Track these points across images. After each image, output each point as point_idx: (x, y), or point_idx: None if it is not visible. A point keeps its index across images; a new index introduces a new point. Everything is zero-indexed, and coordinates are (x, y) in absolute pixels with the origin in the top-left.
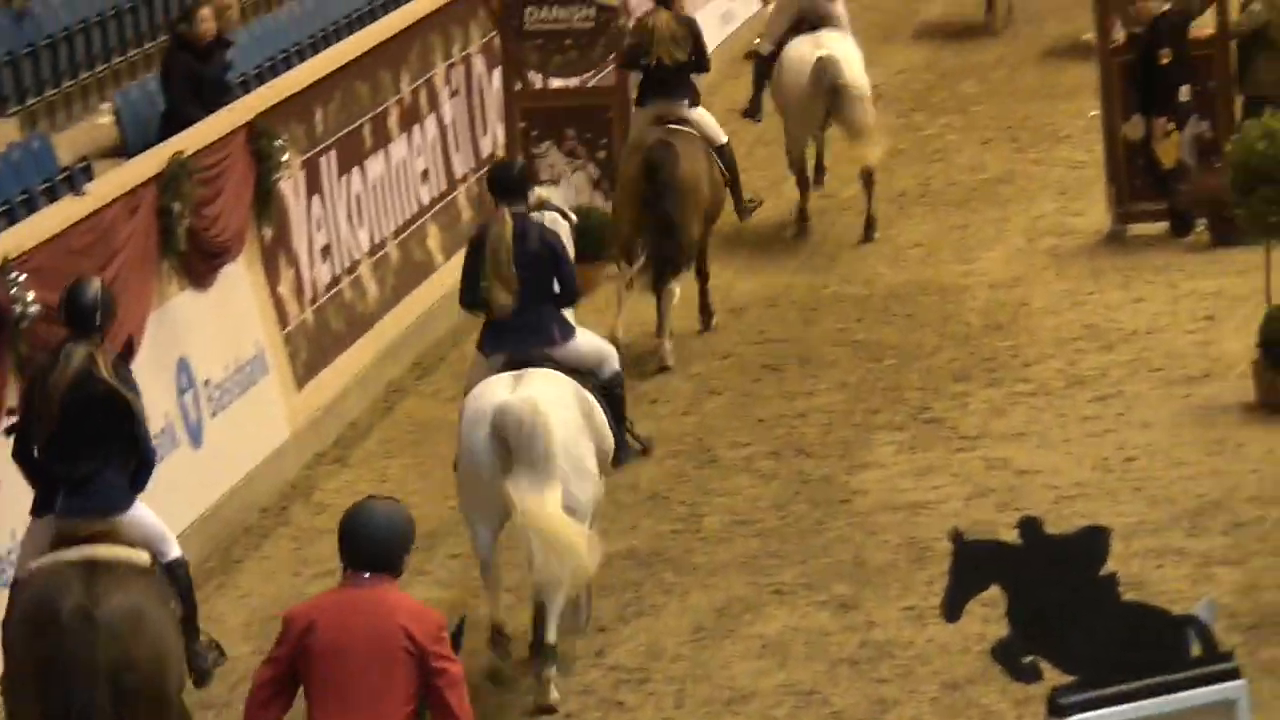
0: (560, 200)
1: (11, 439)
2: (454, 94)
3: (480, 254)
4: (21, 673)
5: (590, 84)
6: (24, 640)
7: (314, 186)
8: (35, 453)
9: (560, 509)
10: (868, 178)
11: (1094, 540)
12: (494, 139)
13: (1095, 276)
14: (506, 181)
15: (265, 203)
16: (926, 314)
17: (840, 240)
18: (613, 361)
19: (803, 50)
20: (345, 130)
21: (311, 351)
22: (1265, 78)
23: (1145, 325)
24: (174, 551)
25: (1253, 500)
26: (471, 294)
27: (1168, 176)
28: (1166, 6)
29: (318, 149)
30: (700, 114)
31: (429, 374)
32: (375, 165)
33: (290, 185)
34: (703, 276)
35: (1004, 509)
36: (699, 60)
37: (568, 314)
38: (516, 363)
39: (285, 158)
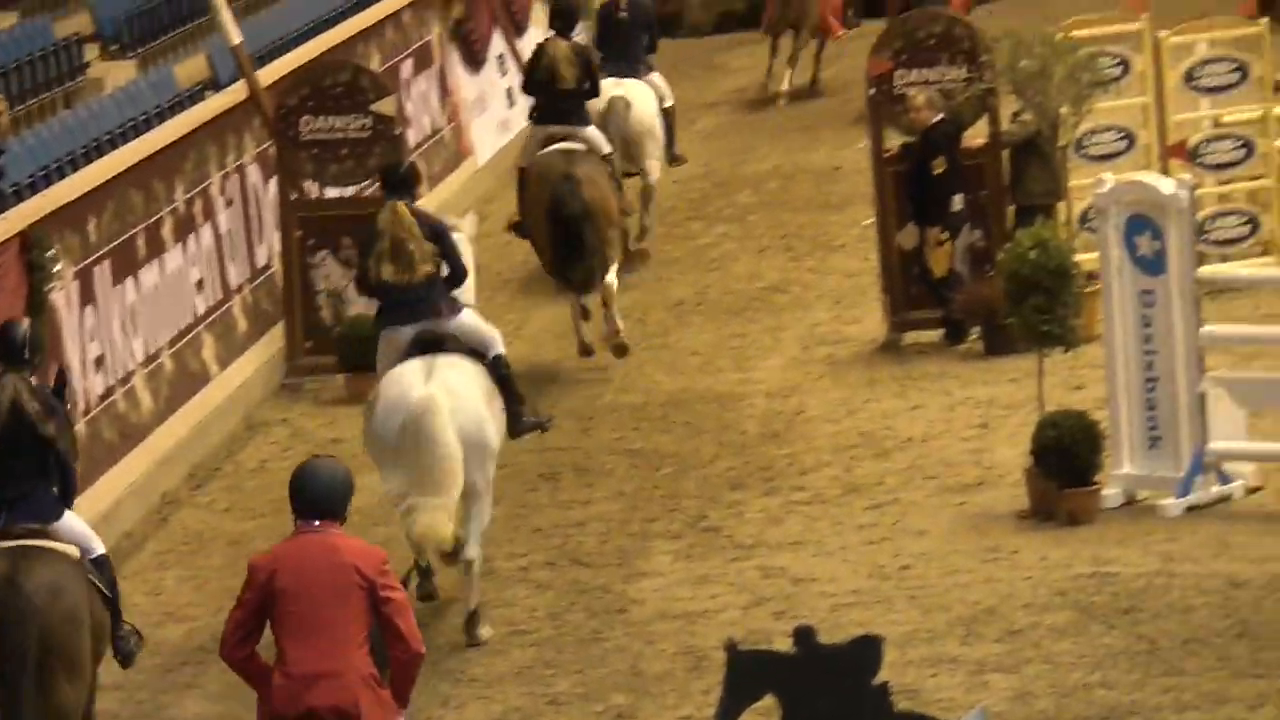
0: (467, 227)
1: None
2: (229, 203)
3: (376, 240)
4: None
5: (367, 192)
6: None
7: (87, 296)
8: None
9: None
10: (646, 196)
11: (867, 649)
12: (270, 248)
13: (871, 384)
14: (395, 178)
15: (37, 313)
16: (704, 422)
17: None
18: (498, 344)
19: (604, 89)
20: (119, 240)
21: (84, 463)
22: (1036, 187)
23: (920, 433)
24: (99, 549)
25: (1026, 607)
26: (368, 280)
27: (941, 285)
28: (939, 116)
29: (91, 259)
30: (591, 131)
31: (204, 485)
32: (149, 275)
33: (63, 295)
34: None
35: (780, 617)
36: (591, 86)
37: (457, 293)
38: (421, 341)
39: (58, 268)
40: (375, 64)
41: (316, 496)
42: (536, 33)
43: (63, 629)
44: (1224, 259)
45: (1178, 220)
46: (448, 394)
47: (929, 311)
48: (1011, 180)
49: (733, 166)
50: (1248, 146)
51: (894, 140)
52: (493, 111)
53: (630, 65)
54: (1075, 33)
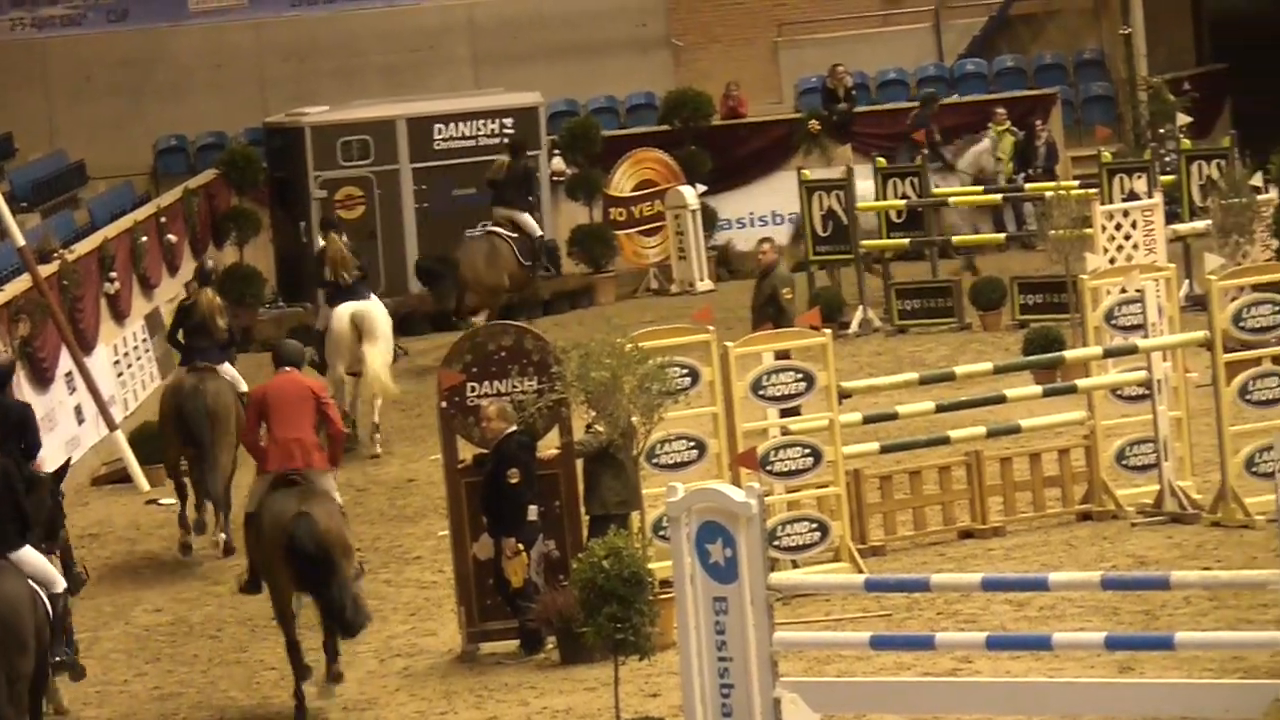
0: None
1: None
2: None
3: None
4: (163, 422)
5: None
6: (166, 404)
7: None
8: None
9: (384, 362)
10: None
11: None
12: None
13: (448, 696)
14: (329, 220)
15: None
16: None
17: (192, 663)
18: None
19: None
20: None
21: None
22: (610, 496)
23: None
24: (244, 387)
25: None
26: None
27: (517, 595)
28: (512, 428)
29: None
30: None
31: None
32: None
33: None
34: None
35: None
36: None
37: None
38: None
39: None
40: None
41: (286, 357)
42: (105, 351)
43: (226, 415)
44: (795, 565)
45: (748, 528)
46: (372, 309)
47: (505, 622)
48: (585, 490)
49: None
50: (815, 454)
51: (468, 451)
52: (62, 429)
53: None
54: (644, 343)
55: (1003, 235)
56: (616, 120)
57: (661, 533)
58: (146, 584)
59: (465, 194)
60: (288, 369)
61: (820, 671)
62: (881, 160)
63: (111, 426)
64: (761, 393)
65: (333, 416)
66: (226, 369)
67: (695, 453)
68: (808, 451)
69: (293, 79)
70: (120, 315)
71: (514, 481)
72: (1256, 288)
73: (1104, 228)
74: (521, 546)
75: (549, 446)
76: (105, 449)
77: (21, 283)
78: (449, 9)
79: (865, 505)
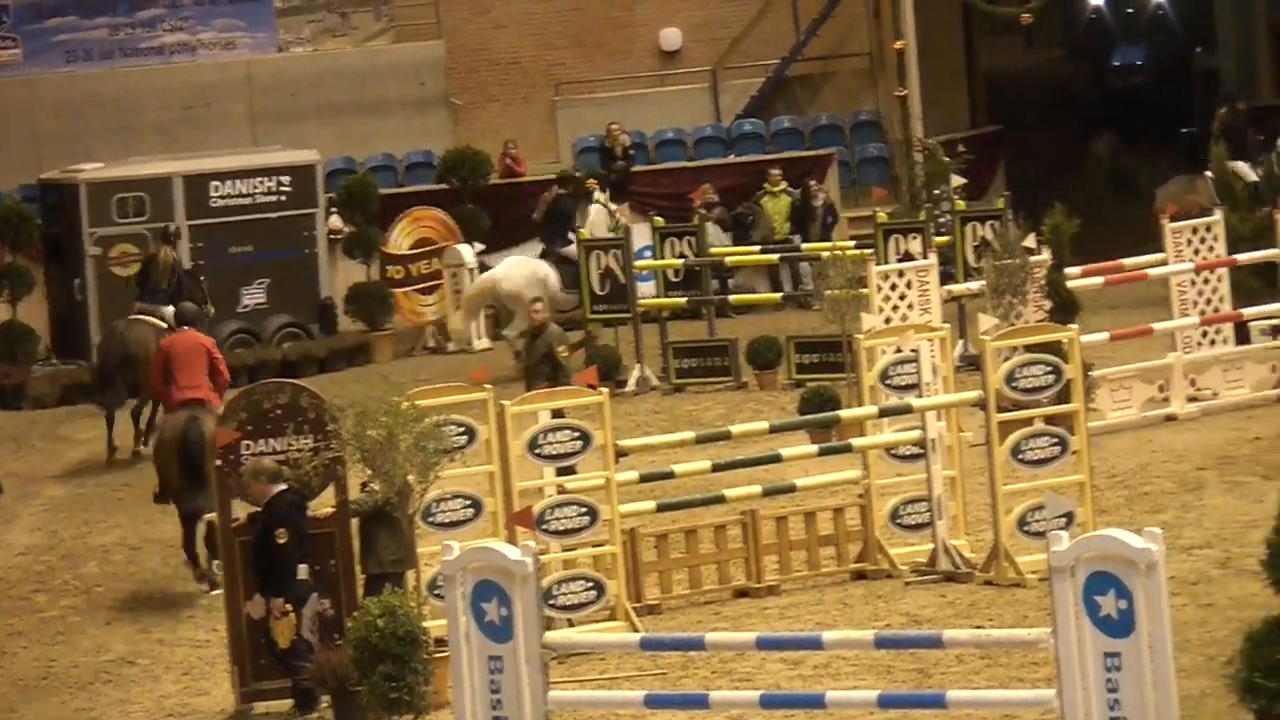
0: None
1: None
2: None
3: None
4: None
5: None
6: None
7: None
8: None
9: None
10: None
11: None
12: None
13: None
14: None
15: None
16: None
17: None
18: None
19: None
20: None
21: None
22: (386, 555)
23: None
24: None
25: None
26: None
27: (287, 655)
28: (282, 486)
29: None
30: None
31: None
32: None
33: None
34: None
35: None
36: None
37: None
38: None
39: None
40: None
41: (185, 318)
42: None
43: (145, 355)
44: (571, 624)
45: (523, 586)
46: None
47: (279, 681)
48: (361, 548)
49: (78, 538)
50: (591, 513)
51: (243, 509)
52: None
53: None
54: (420, 402)
55: (779, 295)
56: (394, 178)
57: (437, 591)
58: None
59: (242, 251)
60: (185, 328)
61: None
62: (659, 219)
63: None
64: (538, 451)
65: (220, 368)
66: (166, 310)
67: (471, 511)
68: (584, 510)
69: (68, 135)
70: None
71: (282, 541)
72: (1029, 348)
73: (879, 288)
74: (290, 607)
75: (324, 505)
76: None
77: None
78: (226, 66)
79: (641, 564)
